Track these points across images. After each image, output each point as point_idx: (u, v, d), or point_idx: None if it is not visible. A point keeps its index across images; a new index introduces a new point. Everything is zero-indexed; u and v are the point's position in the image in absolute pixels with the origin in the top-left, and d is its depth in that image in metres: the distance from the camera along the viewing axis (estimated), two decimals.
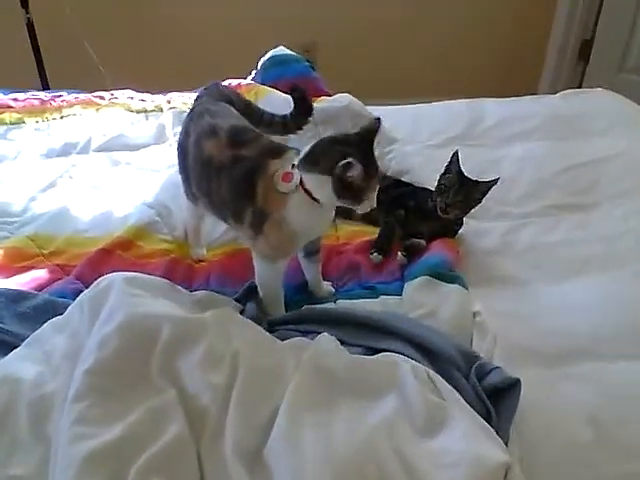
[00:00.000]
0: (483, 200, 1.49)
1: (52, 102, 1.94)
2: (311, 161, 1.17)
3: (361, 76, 3.26)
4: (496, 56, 3.36)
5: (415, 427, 1.00)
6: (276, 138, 1.37)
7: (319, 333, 1.19)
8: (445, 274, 1.34)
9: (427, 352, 1.16)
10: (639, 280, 1.40)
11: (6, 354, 1.10)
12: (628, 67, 3.26)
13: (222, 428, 0.98)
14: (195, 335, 1.06)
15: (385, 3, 3.25)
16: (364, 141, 1.20)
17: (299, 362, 1.09)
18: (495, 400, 1.08)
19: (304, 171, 1.17)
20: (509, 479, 0.95)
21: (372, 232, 1.55)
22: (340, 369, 1.08)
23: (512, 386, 1.09)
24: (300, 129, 1.47)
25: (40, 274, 1.37)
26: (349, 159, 1.11)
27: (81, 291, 1.19)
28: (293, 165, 1.19)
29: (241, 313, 1.25)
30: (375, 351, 1.17)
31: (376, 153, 1.72)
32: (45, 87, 2.90)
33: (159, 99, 2.00)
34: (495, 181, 1.47)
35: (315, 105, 1.80)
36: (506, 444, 1.01)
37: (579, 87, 3.13)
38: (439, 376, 1.09)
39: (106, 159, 1.75)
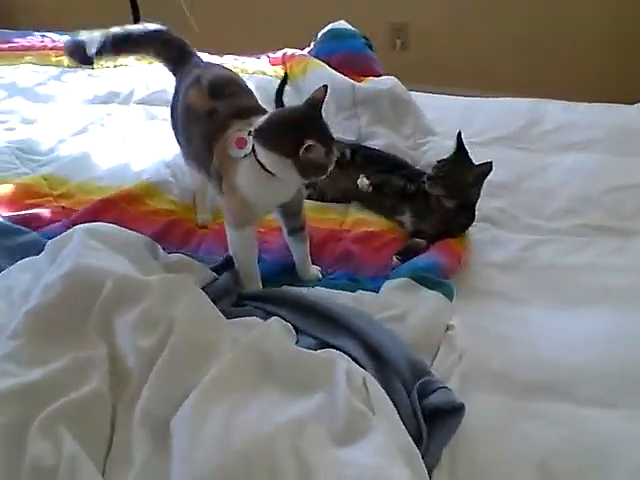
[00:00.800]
0: (481, 192, 1.44)
1: None
2: (268, 138, 1.15)
3: (453, 61, 3.14)
4: (605, 56, 3.07)
5: (332, 432, 0.95)
6: None
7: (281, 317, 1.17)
8: (429, 279, 1.26)
9: (377, 358, 1.11)
10: None
11: None
12: None
13: (140, 393, 0.98)
14: (136, 296, 1.06)
15: None
16: (314, 115, 1.19)
17: (238, 342, 1.08)
18: (433, 421, 1.01)
19: (260, 145, 1.16)
20: None
21: (377, 223, 1.50)
22: (277, 357, 1.05)
23: (456, 410, 1.02)
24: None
25: (43, 213, 1.43)
26: (309, 142, 1.10)
27: None
28: (250, 132, 1.17)
29: (214, 282, 1.24)
30: (327, 346, 1.13)
31: (409, 143, 1.70)
32: None
33: (213, 59, 2.00)
34: (489, 166, 1.39)
35: (358, 85, 1.76)
36: (430, 469, 0.95)
37: None
38: (378, 385, 1.04)
39: (143, 112, 1.78)
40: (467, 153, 1.44)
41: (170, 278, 1.13)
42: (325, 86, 1.21)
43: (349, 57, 1.93)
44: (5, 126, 1.72)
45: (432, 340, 1.17)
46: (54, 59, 2.02)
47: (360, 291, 1.29)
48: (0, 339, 1.03)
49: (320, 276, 1.37)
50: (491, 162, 1.39)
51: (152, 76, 1.90)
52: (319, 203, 1.55)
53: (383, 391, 1.03)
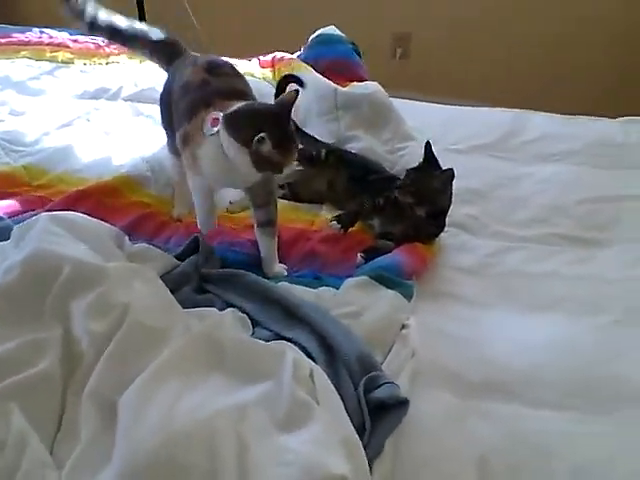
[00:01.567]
0: (452, 199, 1.46)
1: (106, 48, 2.05)
2: (232, 124, 1.22)
3: (451, 72, 3.17)
4: (603, 64, 3.10)
5: (274, 419, 0.97)
6: None
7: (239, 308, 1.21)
8: (389, 278, 1.28)
9: (329, 351, 1.12)
10: (604, 332, 1.26)
11: None
12: None
13: (90, 375, 1.01)
14: (92, 281, 1.08)
15: (490, 5, 3.12)
16: (281, 114, 1.24)
17: (191, 329, 1.10)
18: (378, 414, 1.03)
19: (224, 128, 1.22)
20: None
21: None
22: (228, 345, 1.07)
23: (399, 405, 1.03)
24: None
25: (20, 202, 1.46)
26: (262, 134, 1.15)
27: None
28: (223, 115, 1.23)
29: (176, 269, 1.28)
30: (282, 339, 1.15)
31: (387, 148, 1.72)
32: None
33: None
34: (451, 172, 1.41)
35: (341, 89, 1.79)
36: (372, 460, 0.96)
37: None
38: (324, 375, 1.05)
39: (130, 108, 1.82)
40: (436, 161, 1.46)
41: (127, 265, 1.16)
42: (297, 90, 1.27)
43: (335, 62, 1.96)
44: None
45: (386, 337, 1.19)
46: (49, 54, 2.07)
47: (322, 288, 1.30)
48: None
49: (285, 273, 1.39)
50: (452, 168, 1.41)
51: (141, 74, 1.95)
52: (292, 203, 1.58)
53: (330, 384, 1.04)
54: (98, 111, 1.80)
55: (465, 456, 1.02)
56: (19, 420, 0.94)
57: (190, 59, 1.44)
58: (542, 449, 1.03)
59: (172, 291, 1.20)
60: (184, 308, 1.17)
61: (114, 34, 1.53)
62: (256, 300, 1.23)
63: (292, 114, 1.27)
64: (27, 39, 2.16)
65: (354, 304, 1.24)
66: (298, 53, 2.08)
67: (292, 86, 1.77)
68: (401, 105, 1.89)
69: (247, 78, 1.89)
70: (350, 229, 1.49)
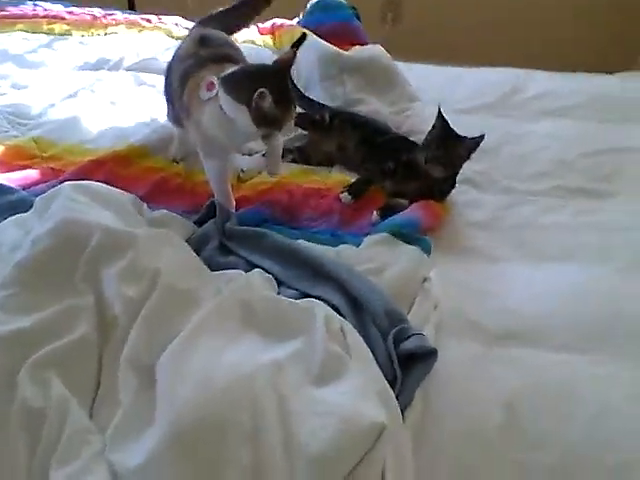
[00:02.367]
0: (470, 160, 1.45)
1: (103, 19, 2.04)
2: (230, 85, 1.25)
3: (444, 35, 3.16)
4: (593, 28, 3.11)
5: (309, 374, 1.00)
6: None
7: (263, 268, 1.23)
8: (408, 235, 1.31)
9: (356, 306, 1.15)
10: (617, 278, 1.30)
11: None
12: None
13: (126, 340, 1.03)
14: (122, 247, 1.10)
15: None
16: (279, 72, 1.28)
17: (221, 291, 1.12)
18: (407, 365, 1.06)
19: (222, 91, 1.24)
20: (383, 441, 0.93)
21: None
22: (258, 306, 1.10)
23: (428, 355, 1.06)
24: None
25: (32, 174, 1.46)
26: (262, 90, 1.18)
27: None
28: (219, 78, 1.25)
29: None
30: (308, 297, 1.17)
31: (393, 109, 1.74)
32: (132, 7, 3.02)
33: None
34: (481, 138, 1.41)
35: (345, 53, 1.80)
36: (404, 408, 1.00)
37: None
38: (354, 330, 1.08)
39: (132, 78, 1.81)
40: (450, 126, 1.45)
41: (155, 231, 1.18)
42: (294, 50, 1.32)
43: (336, 27, 1.97)
44: None
45: (409, 291, 1.22)
46: (45, 27, 2.05)
47: (342, 245, 1.33)
48: None
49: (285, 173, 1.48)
50: (483, 135, 1.41)
51: (142, 44, 1.94)
52: (302, 166, 1.59)
53: (360, 337, 1.07)
54: (101, 82, 1.79)
55: (491, 400, 1.06)
56: (58, 387, 0.97)
57: (192, 33, 1.48)
58: (564, 392, 1.08)
59: (196, 253, 1.22)
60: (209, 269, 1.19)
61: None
62: (280, 259, 1.25)
63: (295, 80, 1.29)
64: (21, 12, 2.13)
65: (376, 260, 1.26)
66: (297, 19, 2.07)
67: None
68: (401, 67, 1.90)
69: (248, 45, 1.92)
70: None
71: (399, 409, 0.98)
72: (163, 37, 1.97)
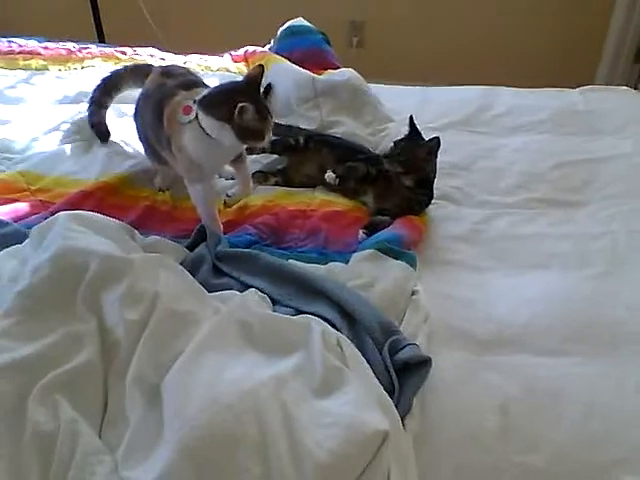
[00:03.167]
0: (437, 170, 1.55)
1: (78, 53, 2.07)
2: (208, 105, 1.32)
3: (407, 57, 3.27)
4: (549, 46, 3.25)
5: (310, 387, 1.03)
6: None
7: (257, 288, 1.26)
8: (394, 250, 1.35)
9: (351, 320, 1.19)
10: (595, 282, 1.36)
11: None
12: None
13: (130, 361, 1.05)
14: (120, 273, 1.12)
15: None
16: (251, 87, 1.36)
17: (219, 312, 1.15)
18: (404, 375, 1.10)
19: (202, 112, 1.31)
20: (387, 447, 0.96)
21: (342, 203, 1.58)
22: (256, 324, 1.12)
23: (422, 363, 1.11)
24: None
25: (22, 207, 1.48)
26: (242, 104, 1.27)
27: None
28: (194, 101, 1.33)
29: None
30: (302, 313, 1.20)
31: (369, 130, 1.80)
32: (102, 41, 3.06)
33: (178, 59, 2.08)
34: (437, 140, 1.49)
35: (318, 77, 1.86)
36: (403, 417, 1.03)
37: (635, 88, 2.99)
38: (350, 343, 1.12)
39: (113, 110, 1.83)
40: (419, 133, 1.54)
41: (150, 256, 1.20)
42: (261, 65, 1.39)
43: (308, 52, 2.03)
44: None
45: (399, 304, 1.26)
46: (22, 63, 2.07)
47: (331, 263, 1.37)
48: None
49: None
50: (438, 137, 1.49)
51: None
52: (286, 189, 1.63)
53: (357, 350, 1.11)
54: (81, 114, 1.82)
55: (486, 405, 1.10)
56: (67, 410, 0.98)
57: (153, 70, 1.56)
58: (554, 393, 1.12)
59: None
60: None
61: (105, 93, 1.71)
62: (272, 279, 1.28)
63: (270, 105, 1.39)
64: None
65: (365, 276, 1.30)
66: (269, 46, 2.13)
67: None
68: (373, 90, 1.96)
69: (223, 73, 1.97)
70: (347, 202, 1.58)
71: (399, 417, 1.02)
72: None
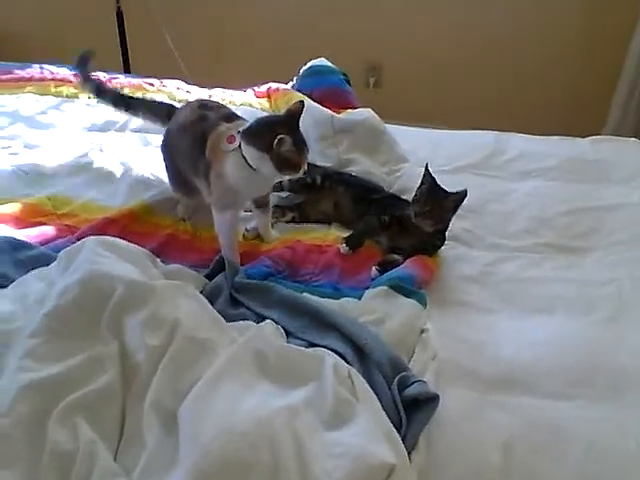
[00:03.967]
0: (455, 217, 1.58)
1: (108, 83, 2.14)
2: (251, 136, 1.39)
3: (422, 99, 3.35)
4: (560, 96, 3.33)
5: (321, 418, 1.07)
6: None
7: (272, 319, 1.30)
8: (406, 288, 1.40)
9: (361, 355, 1.23)
10: (599, 328, 1.40)
11: None
12: None
13: (149, 385, 1.09)
14: (143, 299, 1.17)
15: (456, 40, 3.33)
16: (291, 120, 1.43)
17: (235, 341, 1.20)
18: (411, 410, 1.13)
19: (244, 142, 1.39)
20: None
21: None
22: (271, 354, 1.17)
23: (430, 400, 1.15)
24: None
25: (48, 230, 1.54)
26: (281, 136, 1.35)
27: None
28: (239, 132, 1.40)
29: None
30: (315, 346, 1.25)
31: (385, 169, 1.86)
32: (127, 71, 3.15)
33: (203, 92, 2.15)
34: (464, 193, 1.53)
35: (337, 115, 1.92)
36: (409, 452, 1.07)
37: None
38: (361, 377, 1.16)
39: (139, 139, 1.91)
40: (437, 183, 1.57)
41: (172, 283, 1.25)
42: (302, 101, 1.46)
43: (329, 91, 2.10)
44: (9, 151, 1.84)
45: (408, 341, 1.30)
46: (53, 89, 2.17)
47: (344, 298, 1.41)
48: (19, 339, 1.13)
49: (278, 235, 1.63)
50: (466, 190, 1.52)
51: None
52: (303, 225, 1.69)
53: (366, 383, 1.15)
54: (109, 142, 1.89)
55: (490, 442, 1.14)
56: (87, 431, 1.02)
57: (182, 108, 1.63)
58: (557, 433, 1.16)
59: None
60: None
61: (118, 100, 1.72)
62: (287, 311, 1.33)
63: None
64: (29, 75, 2.24)
65: (376, 312, 1.35)
66: (292, 83, 2.21)
67: None
68: (389, 130, 2.03)
69: (246, 108, 2.04)
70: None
71: (405, 451, 1.05)
72: (166, 100, 2.08)
